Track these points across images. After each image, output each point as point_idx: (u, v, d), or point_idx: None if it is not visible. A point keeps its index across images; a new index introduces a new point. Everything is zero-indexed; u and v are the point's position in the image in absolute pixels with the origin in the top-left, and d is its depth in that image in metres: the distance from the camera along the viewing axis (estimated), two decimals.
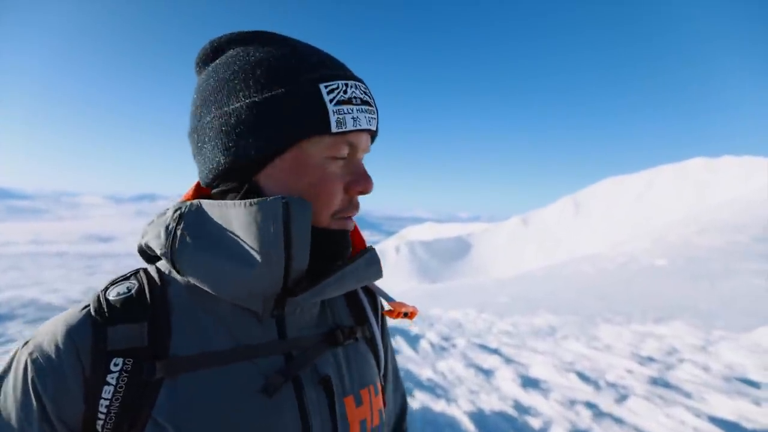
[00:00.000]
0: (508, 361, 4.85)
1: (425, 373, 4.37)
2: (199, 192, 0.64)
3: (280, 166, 0.54)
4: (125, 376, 0.48)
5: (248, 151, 0.53)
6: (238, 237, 0.51)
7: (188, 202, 0.57)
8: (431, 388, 3.96)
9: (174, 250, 0.53)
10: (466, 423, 3.21)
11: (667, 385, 3.96)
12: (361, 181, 0.57)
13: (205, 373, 0.51)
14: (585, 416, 3.34)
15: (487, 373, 4.44)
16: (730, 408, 3.38)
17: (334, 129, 0.52)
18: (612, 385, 4.00)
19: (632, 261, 15.72)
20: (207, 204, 0.55)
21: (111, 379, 0.48)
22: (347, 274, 0.57)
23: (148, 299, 0.53)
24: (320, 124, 0.52)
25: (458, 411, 3.42)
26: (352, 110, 0.54)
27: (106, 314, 0.51)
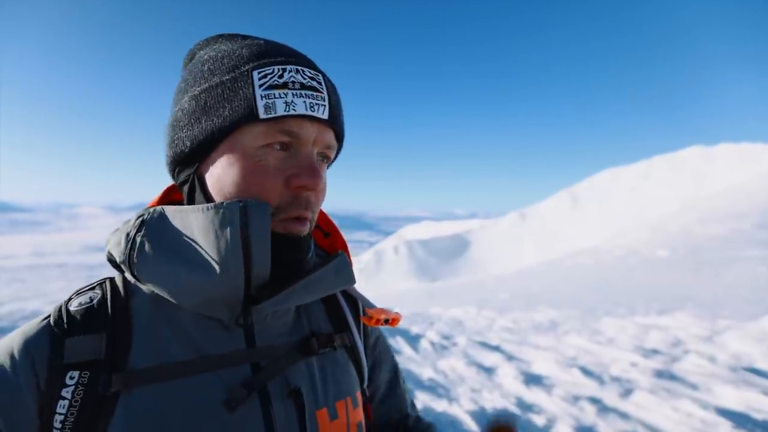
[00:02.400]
0: (510, 358, 4.77)
1: (426, 373, 4.30)
2: (169, 197, 0.64)
3: (216, 158, 0.52)
4: (81, 390, 0.46)
5: (185, 143, 0.53)
6: (198, 243, 0.50)
7: (152, 209, 0.55)
8: (432, 388, 3.88)
9: (132, 258, 0.51)
10: (469, 422, 3.14)
11: (672, 377, 3.89)
12: (302, 175, 0.51)
13: (162, 386, 0.48)
14: (589, 412, 3.27)
15: (489, 370, 4.36)
16: (737, 398, 3.30)
17: (262, 115, 0.49)
18: (616, 379, 3.93)
19: (632, 253, 15.69)
20: (170, 210, 0.54)
21: (66, 393, 0.46)
22: (315, 281, 0.54)
23: (109, 310, 0.52)
24: (247, 111, 0.49)
25: (460, 410, 3.35)
26: (286, 94, 0.50)
27: (65, 326, 0.50)
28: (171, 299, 0.51)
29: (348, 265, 0.60)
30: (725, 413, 3.08)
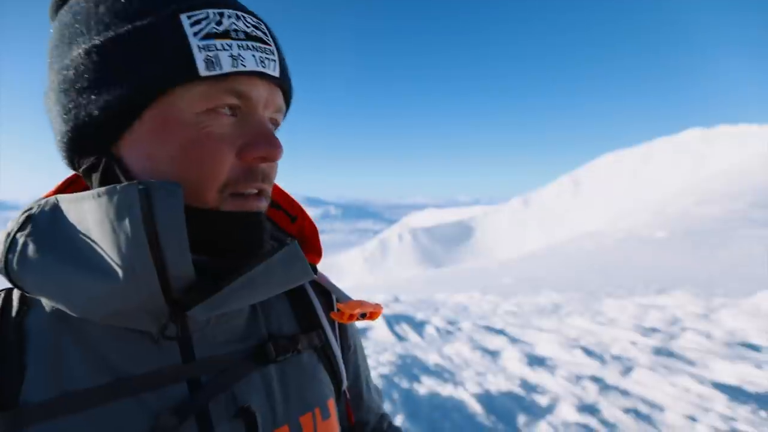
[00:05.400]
0: (514, 341, 4.91)
1: (432, 358, 4.42)
2: (74, 186, 0.51)
3: (140, 130, 0.41)
4: None
5: (90, 112, 0.41)
6: (94, 240, 0.39)
7: (44, 201, 0.43)
8: (438, 373, 4.01)
9: (8, 262, 0.40)
10: (474, 405, 3.25)
11: (670, 354, 4.02)
12: (259, 144, 0.42)
13: (65, 422, 0.38)
14: (591, 390, 3.40)
15: (494, 354, 4.49)
16: (732, 372, 3.44)
17: (202, 71, 0.39)
18: (617, 358, 4.06)
19: (632, 235, 15.80)
20: (64, 200, 0.42)
21: None
22: (258, 277, 0.43)
23: None
24: (181, 67, 0.39)
25: (465, 394, 3.47)
26: (231, 45, 0.40)
27: None
28: (70, 312, 0.39)
29: (301, 257, 0.47)
30: (721, 387, 3.21)
